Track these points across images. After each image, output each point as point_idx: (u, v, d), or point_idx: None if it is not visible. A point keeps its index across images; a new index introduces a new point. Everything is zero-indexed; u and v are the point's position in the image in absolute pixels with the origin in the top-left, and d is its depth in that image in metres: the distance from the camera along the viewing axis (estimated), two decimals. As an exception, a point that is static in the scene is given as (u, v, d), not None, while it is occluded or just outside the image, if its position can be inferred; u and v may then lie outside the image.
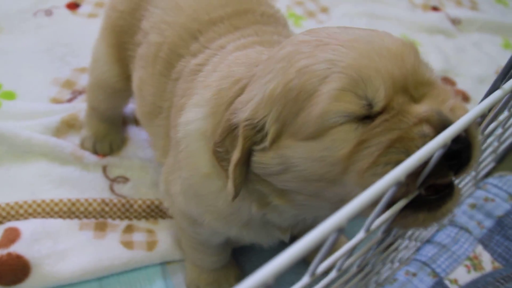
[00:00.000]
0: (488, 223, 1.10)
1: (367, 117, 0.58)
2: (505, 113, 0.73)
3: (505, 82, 0.59)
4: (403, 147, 0.56)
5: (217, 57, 0.80)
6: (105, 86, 1.08)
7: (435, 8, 1.79)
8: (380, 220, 0.51)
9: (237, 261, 1.05)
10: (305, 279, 0.46)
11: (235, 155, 0.64)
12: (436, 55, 1.61)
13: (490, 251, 1.04)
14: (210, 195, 0.75)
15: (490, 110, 0.61)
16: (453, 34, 1.71)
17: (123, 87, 1.08)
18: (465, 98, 1.50)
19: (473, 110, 0.52)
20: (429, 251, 1.06)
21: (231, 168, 0.65)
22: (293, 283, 1.02)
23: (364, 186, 0.56)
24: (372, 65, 0.58)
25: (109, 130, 1.18)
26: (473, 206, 1.13)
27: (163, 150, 0.91)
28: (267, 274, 0.34)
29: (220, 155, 0.67)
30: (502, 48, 1.71)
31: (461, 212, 1.13)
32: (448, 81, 1.54)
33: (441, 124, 0.55)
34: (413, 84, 0.59)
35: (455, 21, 1.75)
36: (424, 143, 0.52)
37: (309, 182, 0.63)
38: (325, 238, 0.38)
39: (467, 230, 1.08)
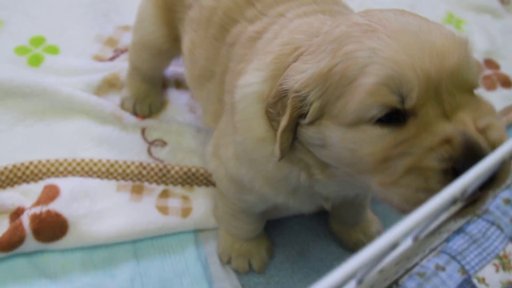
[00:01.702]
0: None
1: (398, 117, 0.60)
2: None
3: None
4: (422, 174, 0.58)
5: (277, 25, 0.80)
6: (151, 46, 1.09)
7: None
8: (427, 231, 0.51)
9: (268, 234, 1.06)
10: (352, 284, 0.46)
11: (283, 122, 0.67)
12: (481, 35, 1.57)
13: None
14: (263, 159, 0.77)
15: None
16: (501, 15, 1.66)
17: (169, 48, 1.08)
18: (508, 83, 1.46)
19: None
20: (458, 243, 1.05)
21: (278, 133, 0.68)
22: (322, 259, 1.04)
23: (385, 196, 0.63)
24: (410, 62, 0.58)
25: (150, 92, 1.18)
26: (507, 201, 1.11)
27: (214, 115, 0.92)
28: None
29: (271, 116, 0.71)
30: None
31: (494, 206, 1.11)
32: (491, 63, 1.51)
33: (465, 148, 0.56)
34: (449, 88, 0.59)
35: (504, 1, 1.69)
36: (441, 168, 0.56)
37: (343, 164, 0.67)
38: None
39: (498, 226, 1.07)
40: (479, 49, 1.52)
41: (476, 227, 1.08)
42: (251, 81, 0.75)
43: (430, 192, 0.56)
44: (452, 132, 0.57)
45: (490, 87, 1.45)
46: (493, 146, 0.58)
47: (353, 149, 0.63)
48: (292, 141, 0.70)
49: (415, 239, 0.50)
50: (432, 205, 0.43)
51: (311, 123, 0.67)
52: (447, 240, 1.08)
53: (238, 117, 0.78)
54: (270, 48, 0.76)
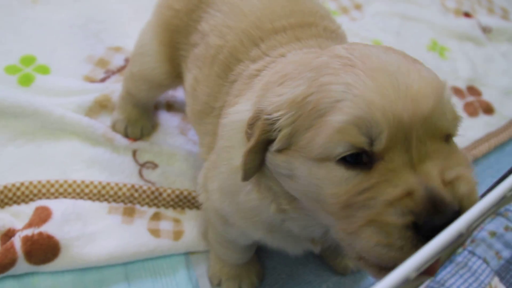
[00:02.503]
0: (506, 253, 1.10)
1: (366, 159, 0.59)
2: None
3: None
4: (382, 228, 0.57)
5: (276, 64, 0.82)
6: (151, 80, 1.09)
7: (467, 14, 1.79)
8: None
9: (259, 256, 1.07)
10: None
11: (250, 143, 0.66)
12: (464, 63, 1.61)
13: (506, 283, 1.05)
14: (236, 188, 0.77)
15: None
16: (483, 43, 1.71)
17: (169, 83, 1.10)
18: (489, 110, 1.51)
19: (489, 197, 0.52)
20: (445, 278, 1.07)
21: (244, 152, 0.67)
22: (310, 282, 1.05)
23: (347, 244, 0.63)
24: (382, 103, 0.57)
25: (142, 115, 1.19)
26: (493, 234, 1.13)
27: (208, 147, 0.92)
28: None
29: (248, 137, 0.69)
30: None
31: (480, 239, 1.13)
32: (473, 90, 1.55)
33: (427, 202, 0.55)
34: (420, 135, 0.58)
35: (486, 30, 1.74)
36: (402, 223, 0.55)
37: (308, 199, 0.66)
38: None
39: (485, 260, 1.09)
40: (462, 76, 1.57)
41: (463, 260, 1.10)
42: (239, 109, 0.76)
43: (391, 247, 0.56)
44: (415, 184, 0.56)
45: (472, 113, 1.49)
46: (460, 200, 0.56)
47: (318, 186, 0.62)
48: (260, 166, 0.69)
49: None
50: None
51: (280, 151, 0.65)
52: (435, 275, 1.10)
53: (222, 143, 0.78)
54: (260, 85, 0.77)
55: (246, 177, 0.70)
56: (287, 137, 0.64)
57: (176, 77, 1.06)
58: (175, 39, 1.00)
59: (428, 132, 0.58)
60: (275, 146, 0.65)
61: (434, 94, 0.59)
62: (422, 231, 0.55)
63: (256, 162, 0.68)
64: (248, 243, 0.95)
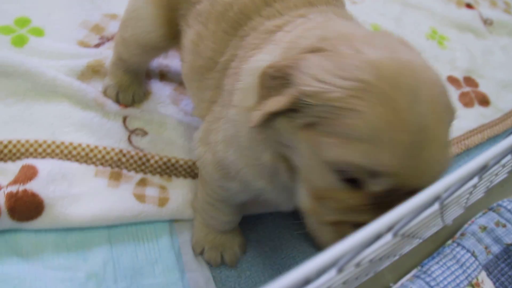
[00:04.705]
0: (496, 249, 1.10)
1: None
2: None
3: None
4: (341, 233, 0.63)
5: (299, 22, 0.80)
6: (146, 44, 1.08)
7: (469, 5, 1.78)
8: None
9: (242, 229, 1.07)
10: (332, 273, 0.47)
11: (274, 104, 0.65)
12: (463, 54, 1.61)
13: (493, 279, 1.06)
14: (243, 130, 0.77)
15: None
16: (483, 35, 1.71)
17: (165, 46, 1.08)
18: (485, 101, 1.50)
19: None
20: (433, 269, 1.07)
21: (265, 110, 0.66)
22: (294, 257, 1.05)
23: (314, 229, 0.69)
24: (405, 166, 0.59)
25: (133, 81, 1.18)
26: (483, 228, 1.13)
27: (210, 102, 0.92)
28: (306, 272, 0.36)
29: (265, 80, 0.68)
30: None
31: (470, 232, 1.13)
32: (470, 81, 1.54)
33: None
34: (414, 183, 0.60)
35: (487, 22, 1.74)
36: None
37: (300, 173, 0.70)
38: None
39: (473, 253, 1.09)
40: (460, 67, 1.57)
41: (451, 252, 1.10)
42: (263, 58, 0.75)
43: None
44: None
45: (468, 104, 1.49)
46: None
47: (309, 172, 0.66)
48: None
49: (395, 234, 0.51)
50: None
51: (294, 121, 0.66)
52: (422, 264, 1.10)
53: (239, 85, 0.78)
54: (287, 39, 0.76)
55: (257, 124, 0.68)
56: (313, 119, 0.63)
57: (172, 38, 1.04)
58: (173, 0, 0.99)
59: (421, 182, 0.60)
60: (298, 121, 0.65)
61: (445, 167, 0.63)
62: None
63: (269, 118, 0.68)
64: (243, 200, 0.95)
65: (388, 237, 0.52)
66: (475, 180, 0.60)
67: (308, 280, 0.37)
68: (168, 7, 1.00)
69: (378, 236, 0.43)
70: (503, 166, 0.79)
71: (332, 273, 0.46)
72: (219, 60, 0.89)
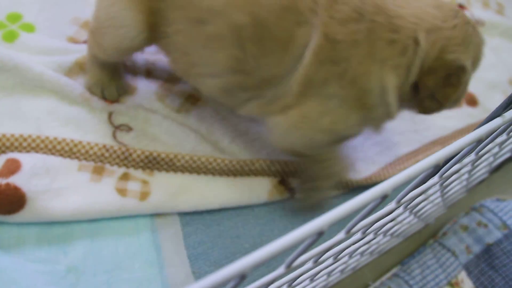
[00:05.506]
0: (477, 248, 1.11)
1: None
2: (504, 136, 0.74)
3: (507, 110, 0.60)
4: None
5: None
6: (128, 49, 1.08)
7: (461, 6, 1.79)
8: (360, 225, 0.53)
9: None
10: (281, 269, 0.48)
11: (454, 94, 0.99)
12: (453, 54, 1.61)
13: (473, 278, 1.06)
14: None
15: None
16: (473, 35, 1.71)
17: (147, 46, 1.10)
18: (473, 101, 1.51)
19: (469, 136, 0.54)
20: (412, 267, 1.08)
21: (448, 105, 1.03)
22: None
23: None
24: None
25: (114, 75, 1.19)
26: (465, 228, 1.14)
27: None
28: (243, 266, 0.37)
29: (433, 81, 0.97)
30: (518, 58, 1.71)
31: (452, 232, 1.14)
32: (460, 81, 1.55)
33: None
34: None
35: (479, 23, 1.74)
36: None
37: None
38: (304, 239, 0.40)
39: (453, 253, 1.09)
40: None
41: (432, 251, 1.11)
42: None
43: None
44: None
45: (456, 103, 1.49)
46: None
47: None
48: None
49: (347, 232, 0.52)
50: (360, 199, 0.44)
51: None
52: (402, 263, 1.10)
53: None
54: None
55: None
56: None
57: (153, 39, 1.06)
58: (155, 7, 0.99)
59: None
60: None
61: None
62: None
63: None
64: None
65: (393, 205, 0.54)
66: (472, 156, 0.63)
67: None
68: (149, 12, 1.00)
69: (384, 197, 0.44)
70: (500, 146, 0.81)
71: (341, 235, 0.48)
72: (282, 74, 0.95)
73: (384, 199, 0.45)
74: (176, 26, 0.98)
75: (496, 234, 1.12)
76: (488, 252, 1.09)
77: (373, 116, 1.00)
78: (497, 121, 0.55)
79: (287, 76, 0.95)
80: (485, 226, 1.14)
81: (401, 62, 0.93)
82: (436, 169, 0.51)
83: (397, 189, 0.46)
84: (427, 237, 1.18)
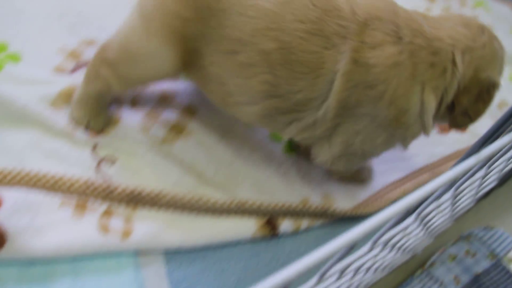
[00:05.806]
0: (465, 278, 1.10)
1: None
2: (483, 171, 0.74)
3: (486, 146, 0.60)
4: None
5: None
6: (157, 78, 1.13)
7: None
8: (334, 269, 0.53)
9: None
10: (314, 280, 0.49)
11: (483, 108, 1.07)
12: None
13: None
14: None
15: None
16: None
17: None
18: (462, 127, 1.51)
19: (444, 176, 0.54)
20: None
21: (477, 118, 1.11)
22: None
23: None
24: None
25: (102, 107, 1.19)
26: (453, 257, 1.13)
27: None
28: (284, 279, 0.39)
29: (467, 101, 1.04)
30: (508, 81, 1.71)
31: (440, 262, 1.13)
32: (448, 107, 1.55)
33: None
34: None
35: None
36: None
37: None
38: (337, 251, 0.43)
39: (442, 283, 1.08)
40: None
41: (420, 282, 1.10)
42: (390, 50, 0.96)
43: None
44: None
45: (444, 129, 1.49)
46: None
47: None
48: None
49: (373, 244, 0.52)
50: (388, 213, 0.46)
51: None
52: None
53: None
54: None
55: None
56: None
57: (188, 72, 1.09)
58: (190, 46, 1.00)
59: None
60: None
61: None
62: None
63: None
64: None
65: (412, 218, 0.55)
66: (451, 193, 0.64)
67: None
68: (183, 50, 1.02)
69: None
70: (482, 179, 0.82)
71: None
72: (312, 96, 0.98)
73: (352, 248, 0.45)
74: (211, 58, 1.00)
75: (484, 264, 1.11)
76: (476, 282, 1.09)
77: (408, 133, 1.04)
78: (471, 160, 0.56)
79: (322, 99, 0.98)
80: (473, 255, 1.13)
81: (440, 83, 0.98)
82: (412, 209, 0.51)
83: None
84: (415, 267, 1.17)
